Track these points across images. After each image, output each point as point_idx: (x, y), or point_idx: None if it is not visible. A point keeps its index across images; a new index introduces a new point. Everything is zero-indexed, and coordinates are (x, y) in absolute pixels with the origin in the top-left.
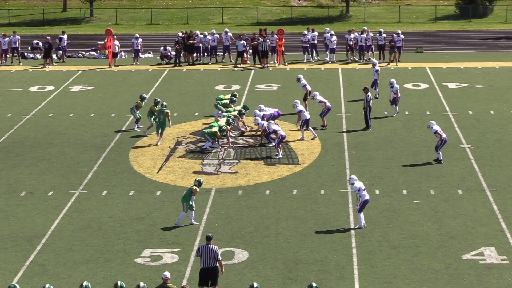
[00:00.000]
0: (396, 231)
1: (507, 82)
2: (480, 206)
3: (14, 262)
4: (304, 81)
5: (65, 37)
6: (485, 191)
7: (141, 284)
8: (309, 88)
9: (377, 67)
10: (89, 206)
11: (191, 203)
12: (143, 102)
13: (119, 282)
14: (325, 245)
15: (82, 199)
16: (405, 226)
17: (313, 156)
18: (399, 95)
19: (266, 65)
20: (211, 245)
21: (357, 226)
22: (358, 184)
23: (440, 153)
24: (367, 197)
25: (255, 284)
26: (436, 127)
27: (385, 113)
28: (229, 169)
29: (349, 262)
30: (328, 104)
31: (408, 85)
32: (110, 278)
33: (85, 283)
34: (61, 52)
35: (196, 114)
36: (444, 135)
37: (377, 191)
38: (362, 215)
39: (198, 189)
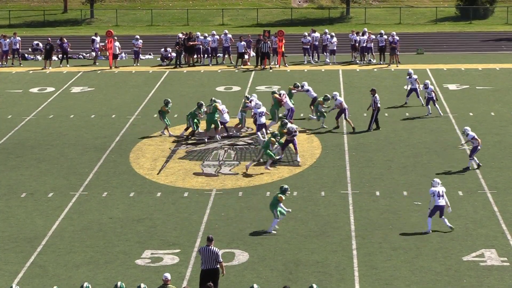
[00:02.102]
0: (397, 232)
1: (508, 83)
2: (480, 208)
3: (15, 263)
4: (308, 87)
5: (98, 39)
6: (486, 192)
7: (142, 285)
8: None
9: (414, 76)
10: (90, 207)
11: (279, 209)
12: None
13: (119, 283)
14: (326, 246)
15: (83, 200)
16: (405, 228)
17: (313, 157)
18: (433, 96)
19: (268, 66)
20: (212, 247)
21: (424, 231)
22: (437, 188)
23: (475, 159)
24: (439, 203)
25: (256, 286)
26: (472, 133)
27: (386, 114)
28: (230, 170)
29: (350, 263)
30: (344, 104)
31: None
32: (111, 279)
33: (85, 284)
34: (93, 53)
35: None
36: (479, 141)
37: (377, 193)
38: (430, 220)
39: (283, 197)
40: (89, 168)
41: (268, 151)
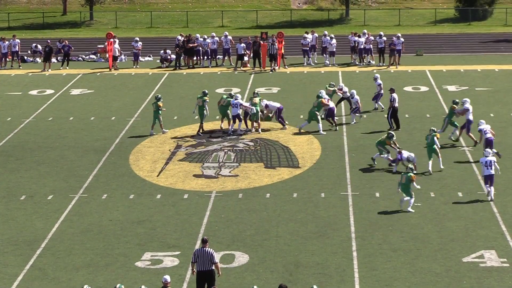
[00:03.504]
0: (397, 234)
1: (507, 84)
2: (480, 209)
3: (14, 266)
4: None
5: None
6: (485, 193)
7: (143, 287)
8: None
9: (379, 81)
10: (89, 209)
11: (410, 190)
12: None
13: (118, 286)
14: (326, 248)
15: (82, 202)
16: (405, 229)
17: (313, 159)
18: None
19: (270, 68)
20: (207, 248)
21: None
22: (488, 158)
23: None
24: (488, 172)
25: (255, 287)
26: (482, 126)
27: (385, 116)
28: (229, 172)
29: (350, 265)
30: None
31: (408, 88)
32: (111, 282)
33: (85, 286)
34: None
35: (196, 117)
36: (487, 136)
37: (377, 194)
38: (488, 188)
39: (415, 175)
40: (89, 170)
41: (435, 146)
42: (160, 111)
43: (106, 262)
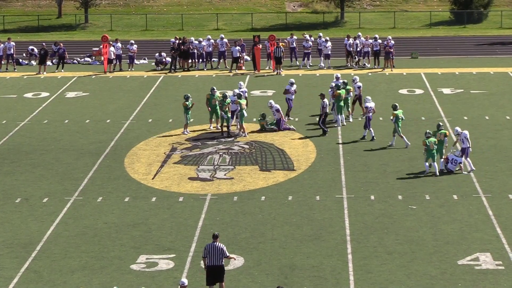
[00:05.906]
0: (392, 236)
1: (502, 87)
2: (475, 212)
3: (10, 269)
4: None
5: (119, 44)
6: (480, 196)
7: None
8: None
9: (337, 82)
10: (85, 212)
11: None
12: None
13: None
14: (321, 251)
15: (78, 205)
16: (400, 232)
17: (308, 162)
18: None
19: (279, 71)
20: (217, 243)
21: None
22: (465, 132)
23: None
24: (466, 145)
25: None
26: (368, 104)
27: (380, 118)
28: (225, 175)
29: (345, 268)
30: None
31: (403, 91)
32: (106, 285)
33: None
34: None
35: (192, 120)
36: (369, 114)
37: (372, 197)
38: (465, 160)
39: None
40: (84, 173)
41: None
42: (189, 111)
43: (101, 265)
